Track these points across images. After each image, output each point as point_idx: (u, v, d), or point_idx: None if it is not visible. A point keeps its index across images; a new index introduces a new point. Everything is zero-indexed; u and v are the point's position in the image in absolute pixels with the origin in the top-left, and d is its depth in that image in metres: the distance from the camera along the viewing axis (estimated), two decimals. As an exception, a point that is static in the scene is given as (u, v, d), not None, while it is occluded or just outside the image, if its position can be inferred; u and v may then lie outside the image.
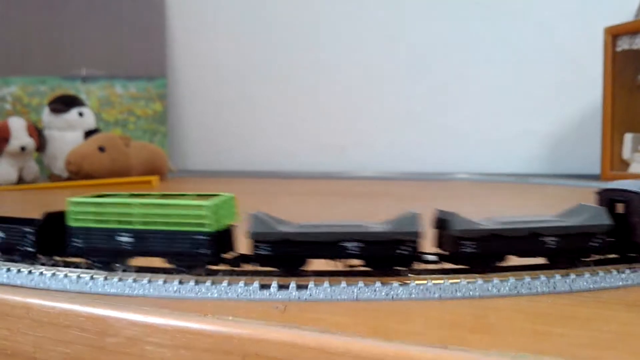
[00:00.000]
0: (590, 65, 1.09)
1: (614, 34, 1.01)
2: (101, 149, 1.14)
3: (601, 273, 0.32)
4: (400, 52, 1.41)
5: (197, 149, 1.63)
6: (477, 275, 0.31)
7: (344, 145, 1.46)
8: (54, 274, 0.33)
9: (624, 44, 0.99)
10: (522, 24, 1.29)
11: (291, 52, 1.51)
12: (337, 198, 0.88)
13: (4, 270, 0.34)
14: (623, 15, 1.08)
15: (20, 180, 1.17)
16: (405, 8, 1.40)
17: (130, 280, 0.32)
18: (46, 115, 1.24)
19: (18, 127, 1.15)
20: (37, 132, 1.20)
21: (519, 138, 1.30)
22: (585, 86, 1.19)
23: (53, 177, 1.24)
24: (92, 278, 0.32)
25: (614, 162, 1.02)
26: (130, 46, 1.55)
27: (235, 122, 1.59)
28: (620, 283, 0.32)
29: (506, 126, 1.32)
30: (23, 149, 1.15)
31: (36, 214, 0.36)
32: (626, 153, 1.02)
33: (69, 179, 1.16)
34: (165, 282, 0.31)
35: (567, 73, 1.25)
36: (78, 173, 1.12)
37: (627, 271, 0.33)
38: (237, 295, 0.31)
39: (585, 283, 0.32)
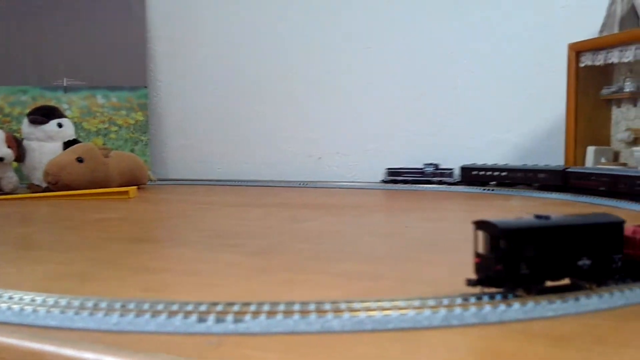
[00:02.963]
0: (558, 79, 1.10)
1: (577, 50, 1.02)
2: (80, 160, 1.14)
3: (531, 304, 0.33)
4: (376, 65, 1.42)
5: (178, 157, 1.64)
6: (410, 307, 0.32)
7: (321, 155, 1.48)
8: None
9: (587, 60, 1.01)
10: (492, 36, 1.31)
11: (271, 62, 1.52)
12: (305, 211, 0.89)
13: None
14: (589, 32, 1.09)
15: (-1, 191, 1.18)
16: (382, 21, 1.41)
17: (71, 312, 0.32)
18: (25, 126, 1.24)
19: (-4, 139, 1.15)
20: (16, 143, 1.20)
21: (487, 149, 1.32)
22: (553, 99, 1.21)
23: (32, 187, 1.24)
24: (34, 311, 0.33)
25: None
26: (112, 57, 1.55)
27: (215, 131, 1.59)
28: (550, 313, 0.33)
29: (477, 137, 1.33)
30: (1, 159, 1.16)
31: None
32: (588, 165, 1.03)
33: (47, 189, 1.16)
34: (105, 314, 0.32)
35: (537, 84, 1.27)
36: (56, 184, 1.12)
37: (558, 301, 0.34)
38: (175, 329, 0.31)
39: (514, 314, 0.33)
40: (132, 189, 1.12)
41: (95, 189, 1.12)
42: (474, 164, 1.21)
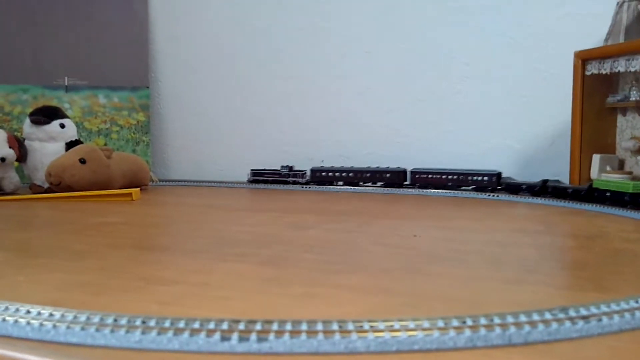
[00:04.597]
0: (563, 85, 1.10)
1: (583, 59, 1.02)
2: (82, 161, 1.14)
3: (555, 325, 0.33)
4: (374, 70, 1.42)
5: (180, 158, 1.63)
6: (434, 328, 0.32)
7: (321, 157, 1.48)
8: (16, 321, 0.33)
9: (593, 69, 1.01)
10: (495, 41, 1.31)
11: (274, 63, 1.52)
12: (307, 216, 0.88)
13: (-33, 315, 0.34)
14: (595, 39, 1.09)
15: (1, 191, 1.17)
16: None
17: (92, 329, 0.32)
18: (27, 126, 1.24)
19: (-2, 139, 1.15)
20: (18, 143, 1.20)
21: (490, 155, 1.32)
22: (557, 105, 1.21)
23: (34, 188, 1.23)
24: (54, 326, 0.32)
25: (582, 182, 1.04)
26: (114, 57, 1.55)
27: (217, 132, 1.59)
28: (575, 335, 0.33)
29: (478, 143, 1.34)
30: (3, 160, 1.15)
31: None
32: (594, 173, 1.03)
33: (49, 189, 1.16)
34: (127, 331, 0.32)
35: (540, 91, 1.27)
36: (59, 185, 1.12)
37: (581, 322, 0.33)
38: (198, 347, 0.31)
39: (539, 335, 0.32)
40: (136, 192, 1.12)
41: (98, 191, 1.11)
42: (322, 166, 1.38)
